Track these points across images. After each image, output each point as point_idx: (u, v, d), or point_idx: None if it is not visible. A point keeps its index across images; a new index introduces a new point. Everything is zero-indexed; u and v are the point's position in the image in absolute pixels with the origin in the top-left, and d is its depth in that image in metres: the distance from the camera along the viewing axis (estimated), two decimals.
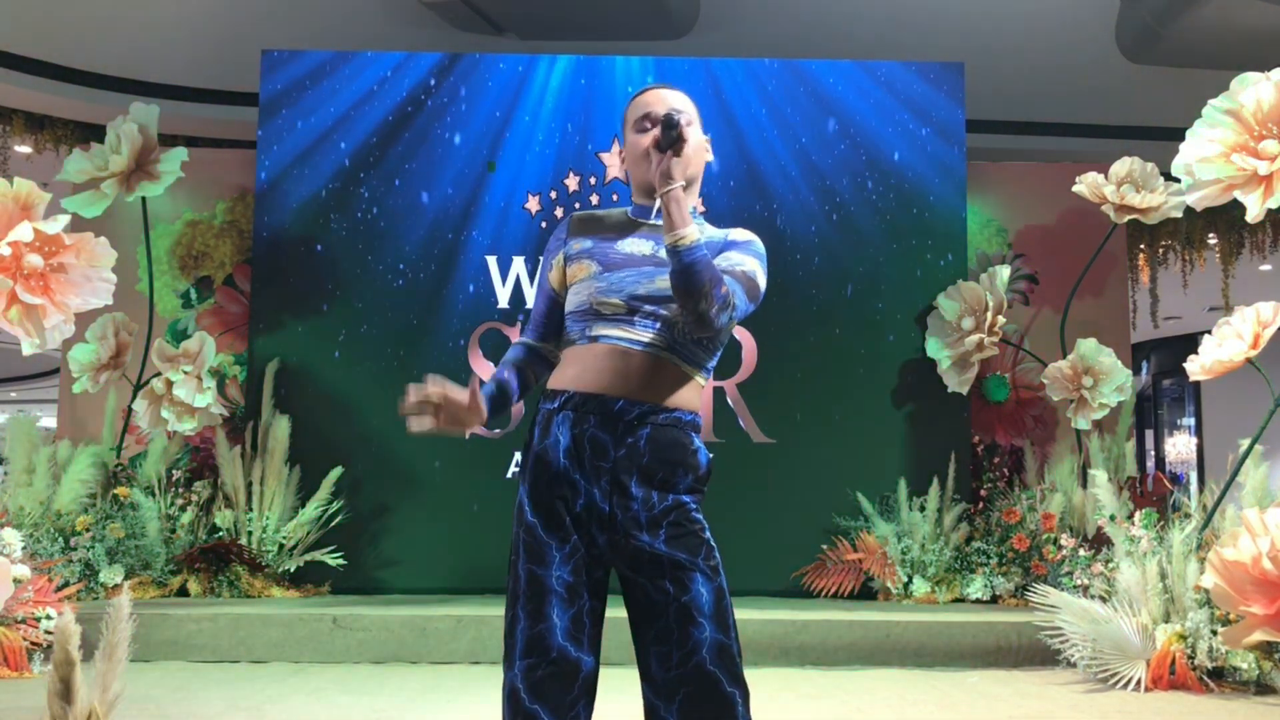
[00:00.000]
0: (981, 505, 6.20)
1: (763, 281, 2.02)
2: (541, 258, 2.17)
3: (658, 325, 1.94)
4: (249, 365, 6.31)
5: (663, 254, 1.97)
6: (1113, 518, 4.92)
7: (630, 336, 1.94)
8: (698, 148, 2.03)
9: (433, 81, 6.44)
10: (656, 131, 1.94)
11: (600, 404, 1.92)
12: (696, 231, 1.88)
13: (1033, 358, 6.63)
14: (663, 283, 1.94)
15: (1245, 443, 4.71)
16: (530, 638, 1.86)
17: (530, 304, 5.01)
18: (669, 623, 1.85)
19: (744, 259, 2.01)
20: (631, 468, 1.90)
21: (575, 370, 1.97)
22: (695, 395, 2.00)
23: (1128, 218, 6.09)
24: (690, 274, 1.85)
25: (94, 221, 6.11)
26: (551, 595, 1.87)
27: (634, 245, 2.01)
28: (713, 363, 2.04)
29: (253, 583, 5.71)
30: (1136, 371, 6.40)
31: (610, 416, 1.92)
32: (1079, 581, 4.92)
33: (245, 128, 7.20)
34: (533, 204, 6.38)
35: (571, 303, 2.03)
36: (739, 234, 2.07)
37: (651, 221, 2.05)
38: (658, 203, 1.99)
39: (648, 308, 1.94)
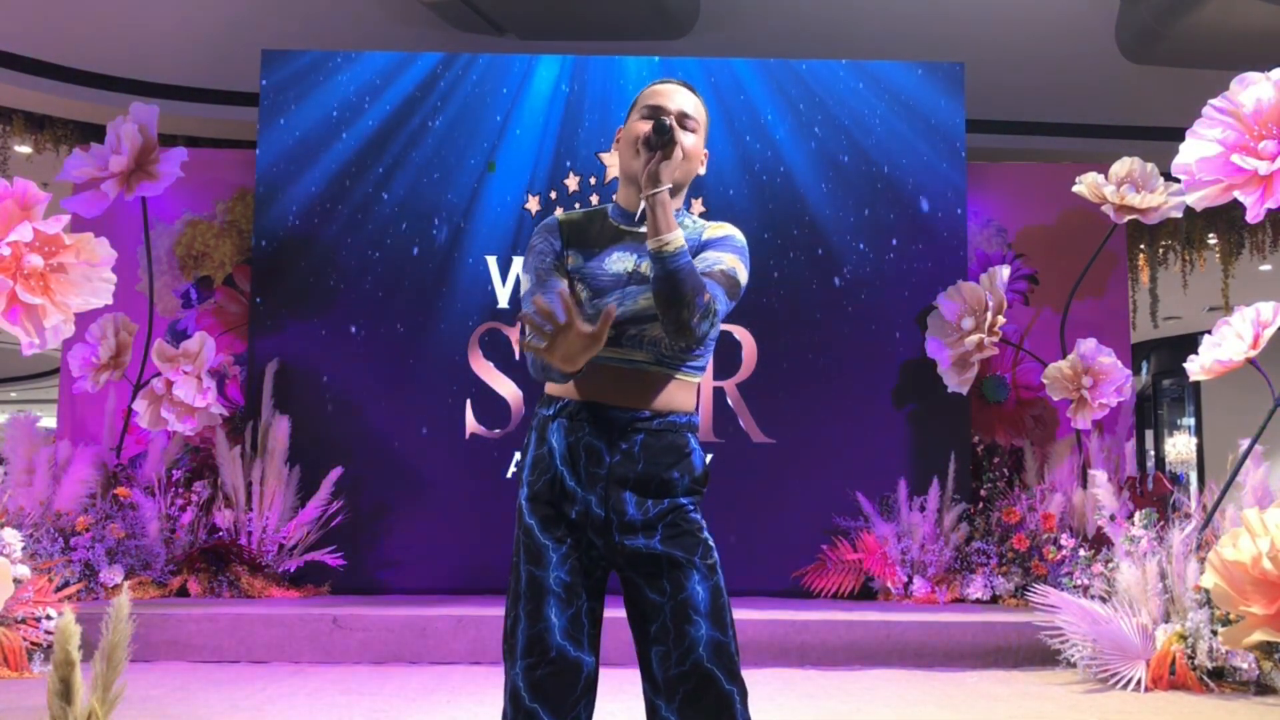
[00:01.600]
0: (981, 505, 6.20)
1: (744, 276, 1.99)
2: (529, 253, 2.07)
3: (644, 343, 1.93)
4: (249, 365, 6.31)
5: (645, 268, 1.95)
6: (1113, 518, 4.93)
7: (618, 356, 1.93)
8: (693, 154, 2.00)
9: (432, 81, 6.44)
10: (649, 128, 1.91)
11: (594, 411, 1.93)
12: (681, 237, 1.85)
13: (1033, 357, 6.63)
14: (646, 301, 1.92)
15: (1245, 443, 4.71)
16: (530, 637, 1.87)
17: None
18: (666, 621, 1.86)
19: (722, 256, 1.97)
20: (627, 475, 1.91)
21: (565, 382, 1.96)
22: (690, 396, 2.01)
23: (1128, 218, 6.09)
24: (673, 282, 1.82)
25: (94, 221, 6.12)
26: (550, 596, 1.88)
27: (619, 262, 1.98)
28: (705, 360, 2.03)
29: (253, 583, 5.71)
30: (1136, 371, 6.39)
31: (604, 424, 1.92)
32: (1079, 581, 4.92)
33: (245, 128, 7.20)
34: (533, 204, 6.38)
35: None
36: (716, 229, 2.04)
37: (635, 230, 2.00)
38: (641, 205, 1.96)
39: (632, 330, 1.93)
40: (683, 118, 1.99)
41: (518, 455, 6.12)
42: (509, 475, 6.15)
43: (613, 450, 1.92)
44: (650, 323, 1.92)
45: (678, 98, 2.01)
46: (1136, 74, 7.39)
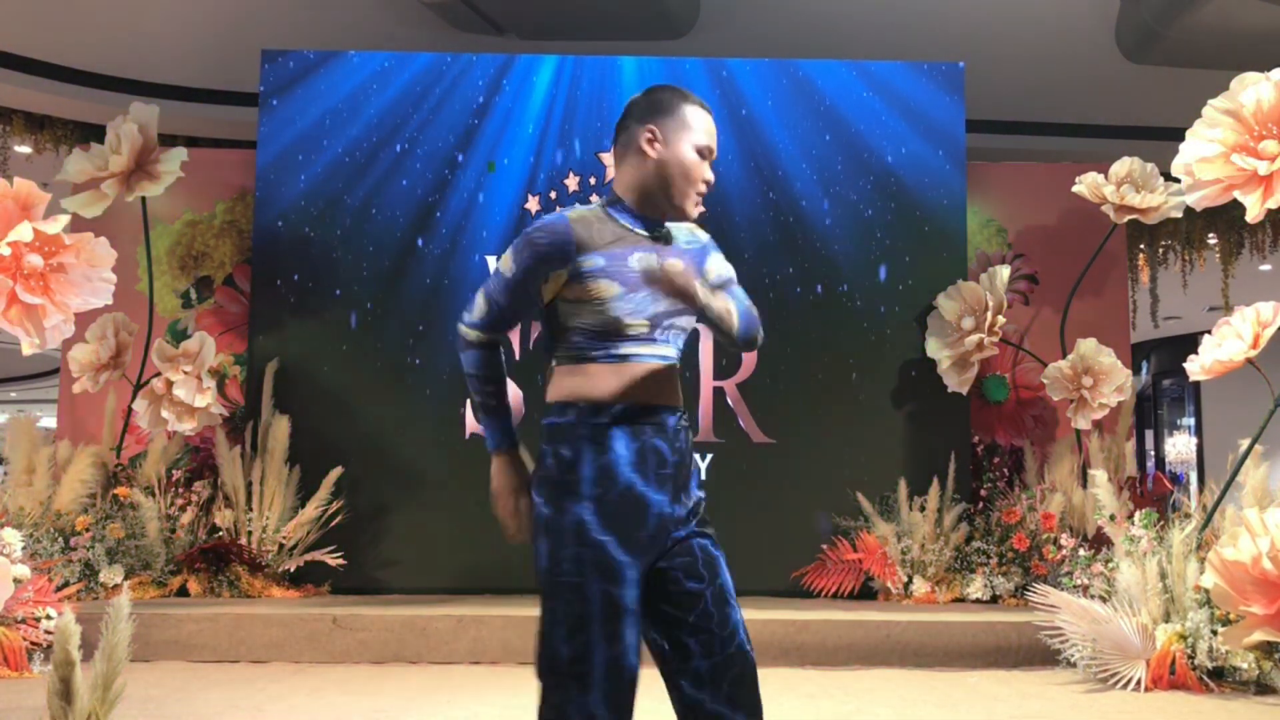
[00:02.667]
0: (981, 505, 6.20)
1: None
2: (526, 249, 2.00)
3: (672, 337, 2.01)
4: (249, 365, 6.31)
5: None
6: (1113, 518, 4.92)
7: (657, 353, 1.98)
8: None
9: (432, 81, 6.44)
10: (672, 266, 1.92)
11: (652, 414, 1.95)
12: (737, 307, 2.02)
13: (1033, 358, 6.63)
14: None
15: (1245, 443, 4.71)
16: (609, 661, 1.81)
17: None
18: (708, 607, 1.89)
19: (726, 266, 2.14)
20: (684, 472, 1.98)
21: (615, 384, 1.93)
22: None
23: (1128, 218, 6.09)
24: (751, 335, 2.06)
25: (94, 221, 6.11)
26: (627, 615, 1.84)
27: (641, 261, 1.96)
28: None
29: (253, 583, 5.71)
30: (1136, 371, 6.39)
31: (661, 425, 1.96)
32: (1079, 581, 4.92)
33: (245, 128, 7.20)
34: (533, 204, 6.38)
35: (588, 320, 1.94)
36: (703, 236, 2.16)
37: (651, 235, 2.03)
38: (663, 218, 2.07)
39: (665, 323, 1.99)
40: (709, 152, 2.06)
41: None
42: None
43: (673, 450, 1.96)
44: (677, 316, 2.00)
45: (714, 133, 2.06)
46: (1136, 74, 7.39)
